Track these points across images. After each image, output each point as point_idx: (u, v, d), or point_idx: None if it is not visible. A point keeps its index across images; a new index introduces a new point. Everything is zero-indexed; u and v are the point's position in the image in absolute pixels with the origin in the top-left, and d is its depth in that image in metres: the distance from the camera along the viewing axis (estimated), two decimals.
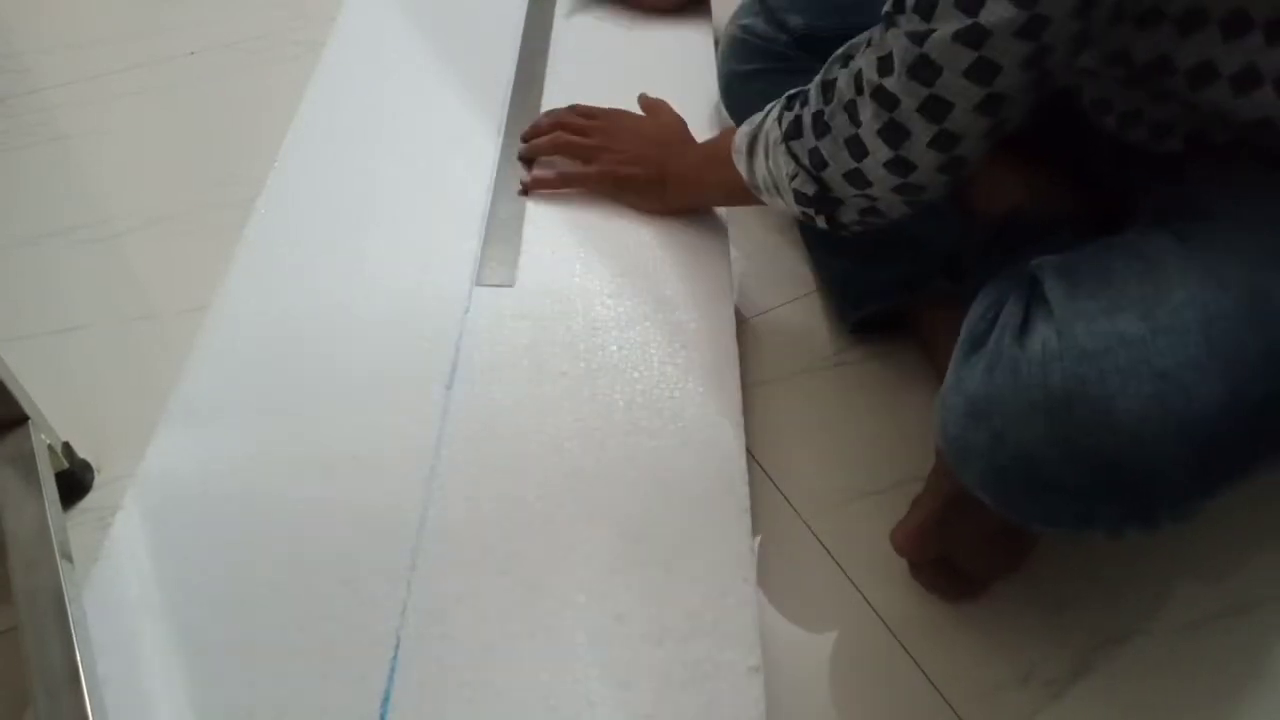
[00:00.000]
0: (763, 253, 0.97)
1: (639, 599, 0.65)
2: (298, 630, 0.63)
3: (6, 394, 0.70)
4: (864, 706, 0.66)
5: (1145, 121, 0.66)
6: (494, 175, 0.94)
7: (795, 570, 0.74)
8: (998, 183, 0.86)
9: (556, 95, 1.02)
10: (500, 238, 0.87)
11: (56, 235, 1.01)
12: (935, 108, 0.58)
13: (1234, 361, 0.53)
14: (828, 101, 0.65)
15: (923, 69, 0.57)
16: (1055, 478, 0.55)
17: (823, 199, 0.68)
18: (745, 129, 0.75)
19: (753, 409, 0.80)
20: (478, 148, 0.97)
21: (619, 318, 0.81)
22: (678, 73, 1.04)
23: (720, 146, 0.80)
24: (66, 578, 0.63)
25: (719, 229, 0.90)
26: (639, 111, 0.93)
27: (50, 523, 0.66)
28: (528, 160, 0.94)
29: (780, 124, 0.69)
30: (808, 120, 0.66)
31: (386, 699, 0.61)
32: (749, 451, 0.75)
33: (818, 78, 0.67)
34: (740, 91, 0.95)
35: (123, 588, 0.65)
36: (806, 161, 0.67)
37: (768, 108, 0.73)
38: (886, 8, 0.59)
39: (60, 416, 0.76)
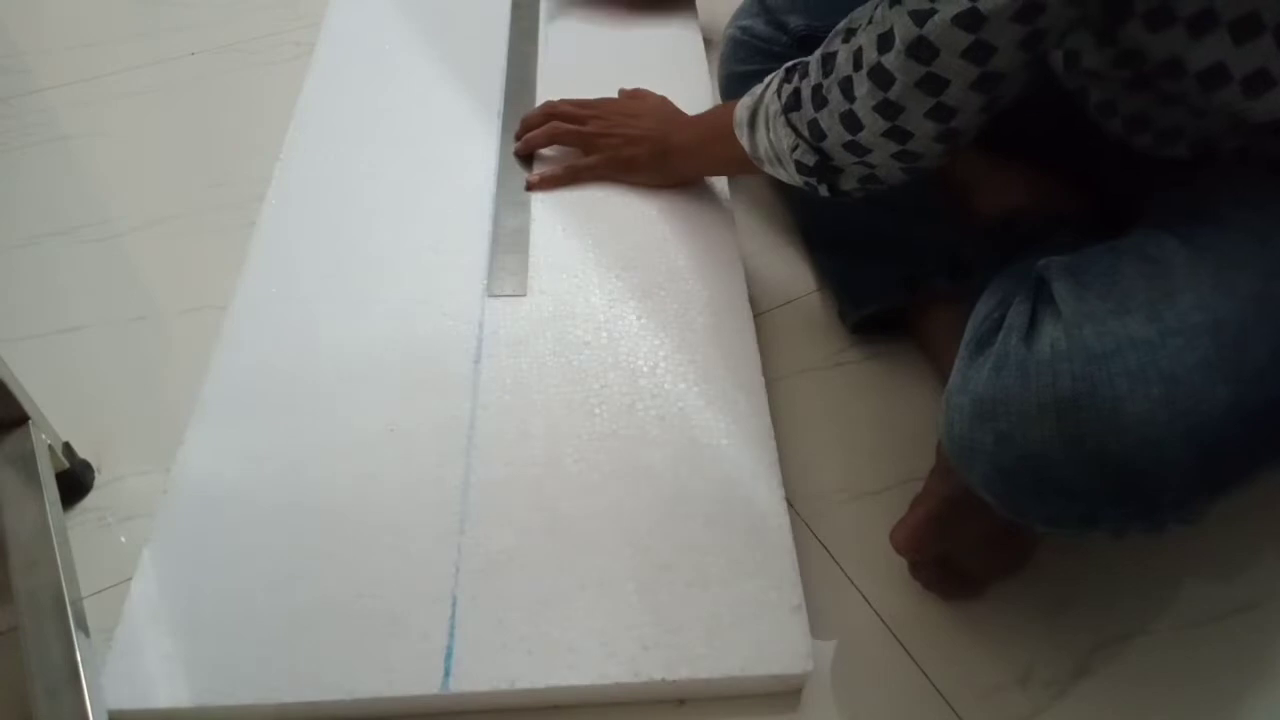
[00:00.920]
0: (762, 253, 0.97)
1: (682, 550, 0.69)
2: (357, 597, 0.66)
3: (7, 394, 0.70)
4: (864, 706, 0.66)
5: (1151, 127, 0.66)
6: (497, 163, 0.96)
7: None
8: (999, 183, 0.86)
9: (551, 82, 1.06)
10: (510, 228, 0.90)
11: (57, 235, 1.01)
12: (932, 83, 0.60)
13: (1241, 365, 0.53)
14: (826, 75, 0.66)
15: (921, 49, 0.58)
16: (1061, 479, 0.54)
17: (823, 168, 0.69)
18: (746, 100, 0.76)
19: None
20: (479, 134, 0.99)
21: (634, 289, 0.85)
22: (669, 71, 1.06)
23: (720, 120, 0.81)
24: (66, 578, 0.64)
25: (722, 200, 0.93)
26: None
27: (50, 523, 0.67)
28: (526, 156, 0.94)
29: (780, 96, 0.70)
30: (806, 93, 0.68)
31: (449, 654, 0.63)
32: None
33: (819, 50, 0.68)
34: (740, 92, 0.94)
35: (179, 567, 0.67)
36: (806, 133, 0.68)
37: (767, 80, 0.74)
38: None
39: (60, 416, 0.76)
